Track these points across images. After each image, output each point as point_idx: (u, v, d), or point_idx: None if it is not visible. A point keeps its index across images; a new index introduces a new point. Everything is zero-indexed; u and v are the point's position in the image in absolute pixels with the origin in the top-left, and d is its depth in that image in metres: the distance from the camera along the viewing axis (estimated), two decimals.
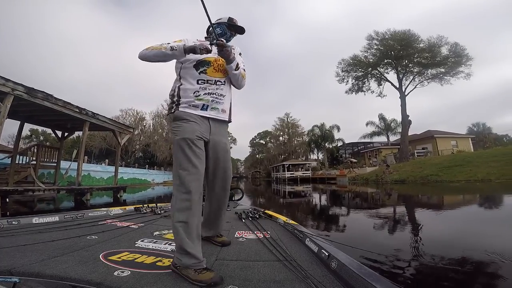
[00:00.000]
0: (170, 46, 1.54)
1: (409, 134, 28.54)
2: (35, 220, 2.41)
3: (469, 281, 1.92)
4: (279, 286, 1.16)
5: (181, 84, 1.61)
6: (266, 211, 3.04)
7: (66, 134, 10.68)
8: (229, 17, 1.87)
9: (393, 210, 6.23)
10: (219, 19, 1.86)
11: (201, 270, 1.21)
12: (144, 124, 38.47)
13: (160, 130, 35.33)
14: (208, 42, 1.72)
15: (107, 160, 23.94)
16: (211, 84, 1.61)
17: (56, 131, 10.44)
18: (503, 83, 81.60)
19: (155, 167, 33.68)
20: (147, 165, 31.96)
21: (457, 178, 14.20)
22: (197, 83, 1.59)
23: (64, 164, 11.42)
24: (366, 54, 29.23)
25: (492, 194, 8.40)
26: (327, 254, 1.43)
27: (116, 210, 3.16)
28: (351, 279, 1.11)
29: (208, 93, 1.60)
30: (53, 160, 10.10)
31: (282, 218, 2.63)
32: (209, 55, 1.63)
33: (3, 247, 1.55)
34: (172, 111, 1.58)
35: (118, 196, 9.90)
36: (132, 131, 12.13)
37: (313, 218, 5.27)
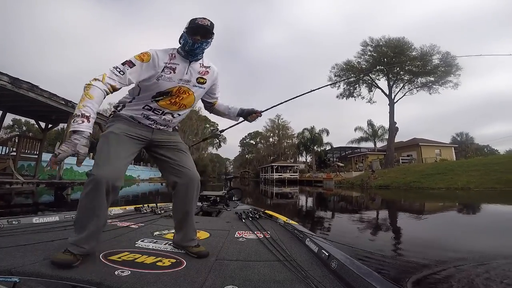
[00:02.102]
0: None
1: (395, 141, 29.16)
2: (35, 220, 2.37)
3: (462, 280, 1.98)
4: (279, 286, 1.17)
5: (130, 101, 1.50)
6: (266, 211, 3.04)
7: (50, 125, 10.38)
8: (191, 19, 1.45)
9: (376, 214, 6.38)
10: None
11: (69, 253, 1.25)
12: None
13: None
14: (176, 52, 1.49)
15: (91, 154, 23.38)
16: (157, 114, 1.49)
17: (40, 122, 10.13)
18: (487, 95, 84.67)
19: (142, 162, 33.14)
20: (132, 161, 31.39)
21: (438, 186, 14.63)
22: (143, 108, 1.46)
23: (46, 156, 11.07)
24: (359, 60, 29.66)
25: (467, 202, 8.70)
26: (327, 254, 1.43)
27: (116, 210, 3.11)
28: (351, 279, 1.12)
29: (150, 119, 1.49)
30: (35, 152, 9.78)
31: (282, 218, 2.64)
32: (171, 84, 1.45)
33: (3, 247, 1.51)
34: (111, 113, 1.52)
35: None
36: None
37: (299, 220, 5.32)
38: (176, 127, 1.69)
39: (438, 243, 3.21)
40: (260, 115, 1.87)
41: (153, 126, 1.51)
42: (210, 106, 1.83)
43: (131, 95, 1.51)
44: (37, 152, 9.83)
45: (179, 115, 1.57)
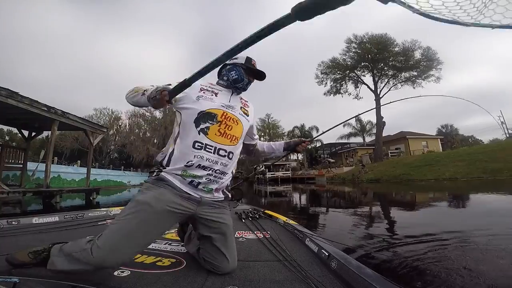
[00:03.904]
0: (144, 90, 1.21)
1: (383, 135, 29.74)
2: (35, 220, 2.40)
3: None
4: (279, 286, 1.17)
5: (174, 148, 1.25)
6: (266, 211, 3.05)
7: (33, 134, 10.09)
8: (247, 57, 1.44)
9: (369, 208, 6.46)
10: (234, 59, 1.42)
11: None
12: (120, 123, 37.19)
13: (137, 130, 34.26)
14: (219, 88, 1.40)
15: (79, 161, 22.90)
16: (210, 152, 1.23)
17: (23, 131, 9.84)
18: (468, 88, 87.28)
19: (132, 168, 32.67)
20: (122, 167, 30.94)
21: (427, 177, 14.98)
22: (193, 146, 1.21)
23: (31, 165, 10.77)
24: (344, 57, 30.17)
25: (457, 193, 8.95)
26: (327, 254, 1.44)
27: (116, 210, 3.12)
28: (351, 279, 1.12)
29: (204, 166, 1.22)
30: (19, 162, 9.48)
31: (282, 218, 2.65)
32: (214, 105, 1.29)
33: (3, 247, 1.53)
34: (154, 175, 1.24)
35: (91, 198, 9.48)
36: (105, 130, 11.68)
37: (294, 217, 5.34)
38: (228, 195, 1.44)
39: (435, 234, 3.26)
40: (309, 143, 1.80)
41: (198, 194, 1.25)
42: (252, 149, 1.68)
43: (173, 140, 1.28)
44: (22, 162, 9.55)
45: (232, 155, 1.31)
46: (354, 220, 4.71)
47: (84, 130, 9.96)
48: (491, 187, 9.19)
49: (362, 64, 29.49)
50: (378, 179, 18.03)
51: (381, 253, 2.51)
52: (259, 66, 1.46)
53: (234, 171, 1.43)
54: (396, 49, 27.71)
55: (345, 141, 40.13)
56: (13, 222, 2.23)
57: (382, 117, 28.48)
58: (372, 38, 27.97)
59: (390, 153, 29.76)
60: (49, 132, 8.97)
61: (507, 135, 32.49)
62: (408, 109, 72.50)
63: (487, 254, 2.32)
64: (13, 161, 9.22)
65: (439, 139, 33.60)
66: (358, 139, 39.58)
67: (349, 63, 29.85)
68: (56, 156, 21.45)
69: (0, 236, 1.84)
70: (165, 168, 1.23)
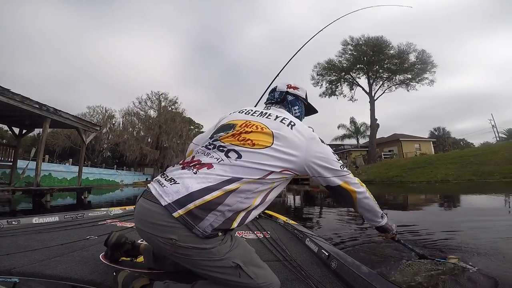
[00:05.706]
0: None
1: (377, 137, 30.02)
2: (35, 220, 2.42)
3: None
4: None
5: (257, 207, 0.99)
6: (266, 211, 3.04)
7: (24, 131, 9.91)
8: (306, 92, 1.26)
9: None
10: (296, 88, 1.21)
11: None
12: (113, 122, 36.74)
13: (131, 129, 33.83)
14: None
15: (71, 160, 22.60)
16: None
17: (13, 128, 9.65)
18: (460, 93, 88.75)
19: (124, 167, 32.37)
20: (115, 165, 30.65)
21: (419, 179, 15.14)
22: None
23: (21, 163, 10.57)
24: (340, 59, 30.39)
25: (448, 195, 9.06)
26: (327, 254, 1.44)
27: (116, 210, 3.15)
28: (351, 279, 1.12)
29: None
30: (9, 159, 9.30)
31: (282, 218, 2.66)
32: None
33: (3, 247, 1.53)
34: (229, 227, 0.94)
35: (83, 197, 9.34)
36: (98, 129, 11.55)
37: (288, 216, 5.33)
38: None
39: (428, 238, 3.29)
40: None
41: None
42: None
43: (262, 193, 0.99)
44: (12, 159, 9.37)
45: None
46: (351, 220, 4.72)
47: (77, 128, 9.82)
48: (483, 189, 9.33)
49: (358, 66, 29.75)
50: (371, 181, 18.14)
51: (380, 253, 2.53)
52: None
53: None
54: (392, 51, 28.03)
55: (339, 142, 40.36)
56: (13, 222, 2.23)
57: (376, 119, 28.78)
58: (368, 40, 28.24)
59: (384, 155, 30.08)
60: (41, 129, 8.83)
61: (498, 139, 33.24)
62: (402, 111, 73.46)
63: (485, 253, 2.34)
64: (2, 158, 9.05)
65: (431, 142, 34.09)
66: (352, 141, 39.88)
67: (345, 65, 30.08)
68: (48, 154, 21.13)
69: (0, 236, 1.84)
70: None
